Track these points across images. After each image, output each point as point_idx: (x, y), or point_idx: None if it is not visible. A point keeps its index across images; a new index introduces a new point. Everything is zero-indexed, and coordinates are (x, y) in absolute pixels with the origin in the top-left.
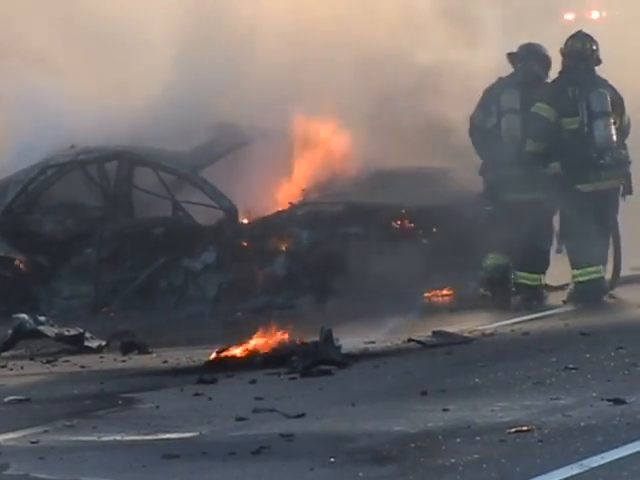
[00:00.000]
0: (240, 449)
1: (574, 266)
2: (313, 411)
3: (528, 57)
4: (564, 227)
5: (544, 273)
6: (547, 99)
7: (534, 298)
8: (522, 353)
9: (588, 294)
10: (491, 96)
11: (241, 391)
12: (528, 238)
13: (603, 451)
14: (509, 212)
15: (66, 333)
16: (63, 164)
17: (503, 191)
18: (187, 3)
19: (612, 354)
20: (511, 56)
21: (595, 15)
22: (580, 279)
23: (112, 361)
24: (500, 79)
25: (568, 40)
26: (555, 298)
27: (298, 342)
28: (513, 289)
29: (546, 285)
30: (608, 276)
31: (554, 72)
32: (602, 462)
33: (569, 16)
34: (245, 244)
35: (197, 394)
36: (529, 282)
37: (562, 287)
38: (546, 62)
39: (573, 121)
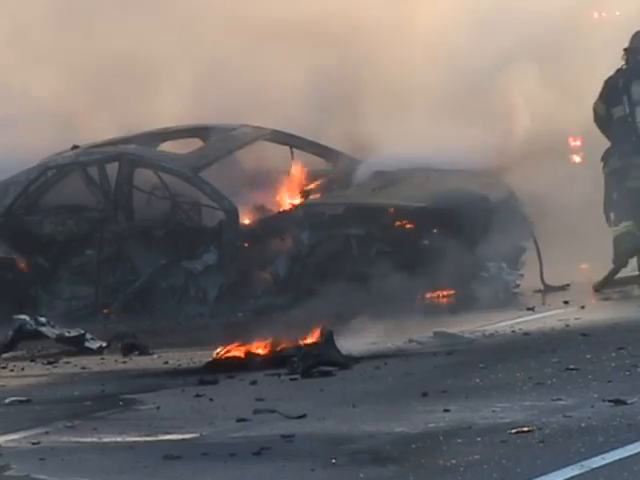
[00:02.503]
0: (241, 450)
1: None
2: (314, 412)
3: None
4: None
5: None
6: None
7: None
8: (523, 354)
9: None
10: (616, 87)
11: (242, 392)
12: None
13: (604, 452)
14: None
15: (67, 334)
16: (63, 165)
17: (628, 178)
18: None
19: (613, 355)
20: (629, 49)
21: (595, 15)
22: None
23: (113, 362)
24: (619, 70)
25: None
26: (556, 298)
27: (299, 343)
28: None
29: (547, 286)
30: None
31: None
32: (603, 463)
33: None
34: (246, 245)
35: (198, 395)
36: None
37: (562, 287)
38: None
39: None
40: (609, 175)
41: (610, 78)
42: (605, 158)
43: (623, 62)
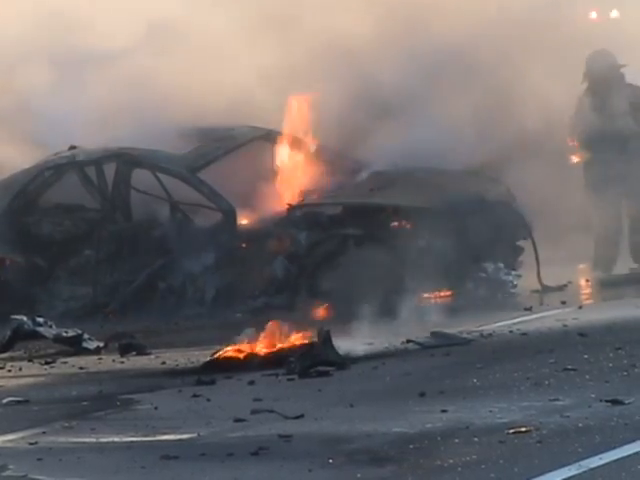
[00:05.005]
0: (239, 450)
1: None
2: (312, 412)
3: None
4: None
5: None
6: None
7: None
8: (520, 354)
9: None
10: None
11: (239, 392)
12: None
13: (601, 452)
14: None
15: (64, 334)
16: (61, 165)
17: None
18: None
19: (610, 355)
20: None
21: (594, 15)
22: None
23: (110, 362)
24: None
25: None
26: (553, 299)
27: (296, 343)
28: None
29: (544, 286)
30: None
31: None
32: (600, 463)
33: None
34: (243, 245)
35: (195, 395)
36: None
37: (561, 288)
38: None
39: None
40: None
41: None
42: None
43: None
